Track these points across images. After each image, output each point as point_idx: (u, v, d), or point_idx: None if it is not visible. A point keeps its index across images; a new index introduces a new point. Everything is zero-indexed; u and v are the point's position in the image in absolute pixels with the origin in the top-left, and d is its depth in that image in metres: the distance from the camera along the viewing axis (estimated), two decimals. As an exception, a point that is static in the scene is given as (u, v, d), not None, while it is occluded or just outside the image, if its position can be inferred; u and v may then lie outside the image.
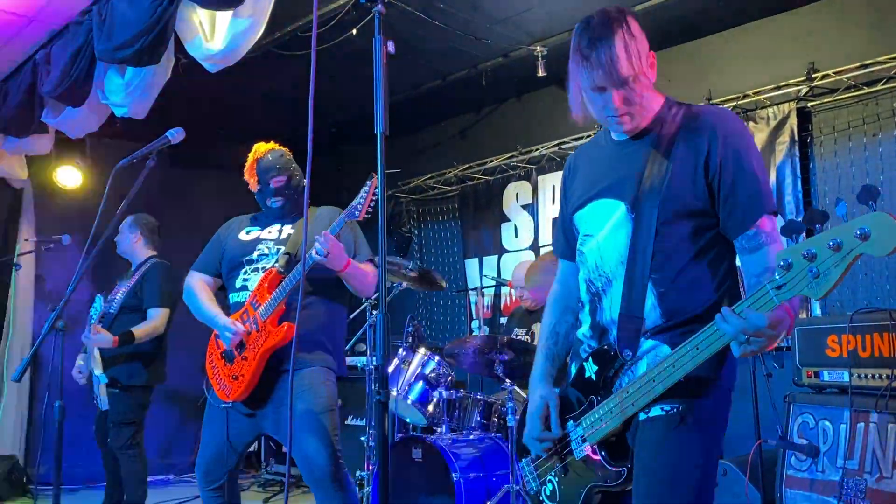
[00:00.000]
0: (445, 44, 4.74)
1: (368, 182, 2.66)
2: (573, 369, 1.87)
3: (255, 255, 2.93)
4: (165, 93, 4.03)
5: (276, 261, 2.86)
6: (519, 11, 4.37)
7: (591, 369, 1.78)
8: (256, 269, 2.91)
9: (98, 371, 3.94)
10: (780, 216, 4.12)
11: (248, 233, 3.03)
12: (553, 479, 1.87)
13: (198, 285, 3.00)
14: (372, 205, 2.67)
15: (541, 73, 4.75)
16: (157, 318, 4.12)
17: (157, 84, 3.69)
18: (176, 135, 2.78)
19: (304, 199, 1.76)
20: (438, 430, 4.09)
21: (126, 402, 4.09)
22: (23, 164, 5.43)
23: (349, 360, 5.51)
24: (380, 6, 1.72)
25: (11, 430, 5.54)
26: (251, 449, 6.45)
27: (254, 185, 3.00)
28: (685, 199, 1.67)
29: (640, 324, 1.69)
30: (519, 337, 4.62)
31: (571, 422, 1.81)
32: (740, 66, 4.52)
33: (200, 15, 3.36)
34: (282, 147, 3.07)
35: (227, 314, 2.88)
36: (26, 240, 5.05)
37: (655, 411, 1.65)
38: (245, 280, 2.92)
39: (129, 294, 4.16)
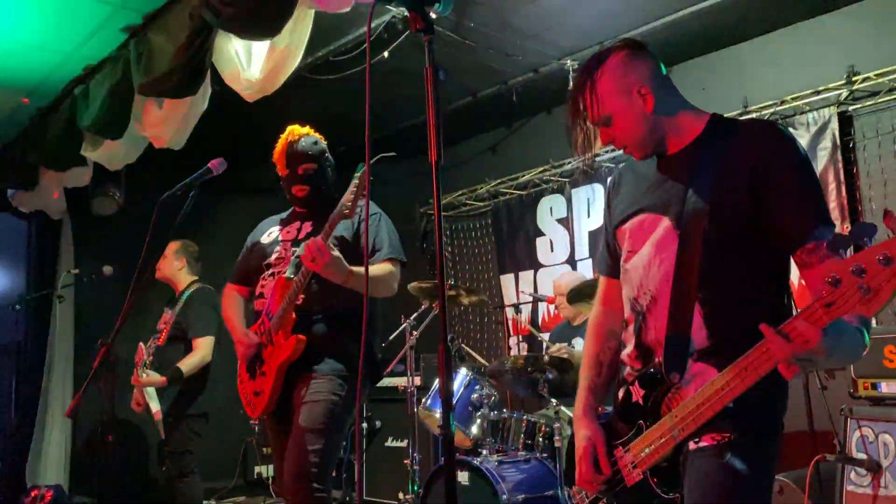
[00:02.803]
0: (475, 61, 4.73)
1: (355, 175, 2.47)
2: (619, 394, 1.81)
3: (272, 258, 2.80)
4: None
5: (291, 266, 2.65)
6: (548, 27, 4.35)
7: (637, 393, 1.73)
8: (273, 275, 2.78)
9: (155, 405, 4.01)
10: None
11: (269, 234, 2.90)
12: None
13: (228, 296, 2.96)
14: (361, 200, 2.46)
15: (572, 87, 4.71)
16: (202, 349, 4.14)
17: (195, 115, 3.72)
18: (218, 166, 2.79)
19: (366, 211, 1.73)
20: (483, 451, 4.04)
21: (181, 431, 4.13)
22: (61, 196, 5.50)
23: (388, 381, 5.46)
24: (432, 36, 1.68)
25: (56, 459, 5.59)
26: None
27: (281, 170, 2.85)
28: (733, 214, 1.62)
29: (687, 345, 1.63)
30: (560, 352, 4.58)
31: (621, 448, 1.76)
32: (777, 71, 4.45)
33: (236, 45, 3.38)
34: (317, 135, 2.93)
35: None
36: (68, 271, 5.11)
37: (705, 442, 1.59)
38: (262, 286, 2.81)
39: (174, 324, 4.20)
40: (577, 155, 1.82)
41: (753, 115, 4.44)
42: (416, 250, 6.53)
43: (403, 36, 4.11)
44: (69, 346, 5.79)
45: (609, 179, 2.01)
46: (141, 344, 4.18)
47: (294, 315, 2.63)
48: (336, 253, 2.48)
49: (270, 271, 2.79)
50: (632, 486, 1.72)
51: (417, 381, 4.77)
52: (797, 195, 1.59)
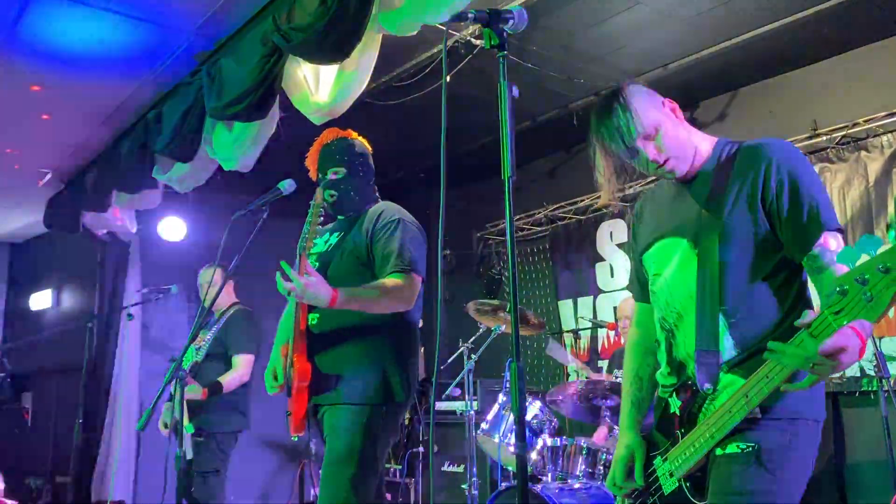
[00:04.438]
0: (536, 85, 4.73)
1: (312, 203, 2.44)
2: (658, 411, 1.89)
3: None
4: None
5: None
6: (613, 50, 4.33)
7: (675, 405, 1.81)
8: None
9: (186, 421, 3.97)
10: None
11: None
12: None
13: None
14: (318, 229, 2.42)
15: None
16: (242, 365, 4.12)
17: (264, 137, 3.81)
18: (288, 187, 2.84)
19: (438, 253, 1.74)
20: (543, 478, 3.97)
21: (210, 450, 4.06)
22: (132, 218, 5.69)
23: (443, 405, 5.42)
24: (505, 52, 1.71)
25: (123, 475, 5.71)
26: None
27: (313, 174, 2.78)
28: (745, 227, 1.71)
29: (717, 357, 1.71)
30: (619, 379, 4.49)
31: (659, 458, 1.82)
32: (849, 93, 4.33)
33: (305, 70, 3.46)
34: (354, 136, 2.81)
35: None
36: (138, 291, 5.27)
37: (731, 448, 1.65)
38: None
39: (213, 342, 4.17)
40: (610, 188, 1.87)
41: (823, 139, 4.33)
42: (473, 275, 6.52)
43: (465, 61, 4.15)
44: (136, 363, 5.95)
45: (634, 210, 2.08)
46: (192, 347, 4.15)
47: (305, 337, 2.54)
48: (308, 279, 2.35)
49: None
50: (669, 494, 1.78)
51: (474, 405, 4.73)
52: (799, 206, 1.67)
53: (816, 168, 4.24)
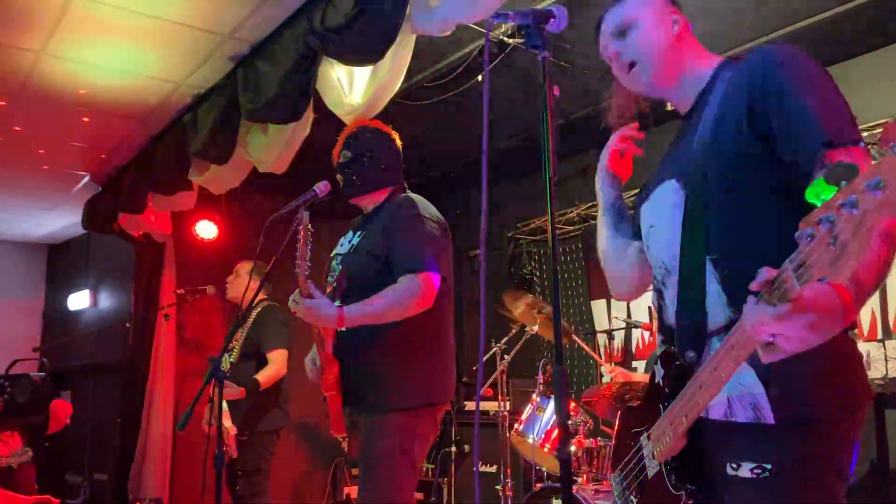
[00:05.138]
0: (569, 83, 4.70)
1: (298, 226, 2.41)
2: (650, 380, 1.66)
3: (329, 276, 2.70)
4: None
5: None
6: (647, 46, 4.28)
7: (659, 374, 1.57)
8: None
9: (227, 422, 3.96)
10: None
11: (338, 246, 2.81)
12: (633, 498, 1.66)
13: None
14: (309, 261, 2.39)
15: (669, 108, 4.60)
16: (277, 361, 4.12)
17: (298, 139, 3.83)
18: (322, 188, 2.84)
19: (482, 237, 1.72)
20: (578, 479, 3.94)
21: (253, 449, 4.09)
22: (167, 219, 5.76)
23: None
24: (546, 53, 1.68)
25: (159, 473, 5.78)
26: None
27: (335, 161, 2.80)
28: (736, 156, 1.42)
29: (702, 318, 1.44)
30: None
31: (645, 437, 1.60)
32: (889, 89, 4.22)
33: (338, 71, 3.47)
34: (377, 125, 2.81)
35: None
36: (174, 291, 5.32)
37: (744, 471, 1.39)
38: None
39: (245, 341, 4.17)
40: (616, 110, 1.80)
41: (864, 135, 4.23)
42: (503, 275, 6.49)
43: (497, 60, 4.13)
44: (172, 363, 6.02)
45: None
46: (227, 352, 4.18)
47: (331, 346, 2.54)
48: (312, 302, 2.37)
49: (327, 288, 2.69)
50: (652, 479, 1.56)
51: (507, 406, 4.71)
52: (791, 123, 1.35)
53: (858, 165, 4.14)
